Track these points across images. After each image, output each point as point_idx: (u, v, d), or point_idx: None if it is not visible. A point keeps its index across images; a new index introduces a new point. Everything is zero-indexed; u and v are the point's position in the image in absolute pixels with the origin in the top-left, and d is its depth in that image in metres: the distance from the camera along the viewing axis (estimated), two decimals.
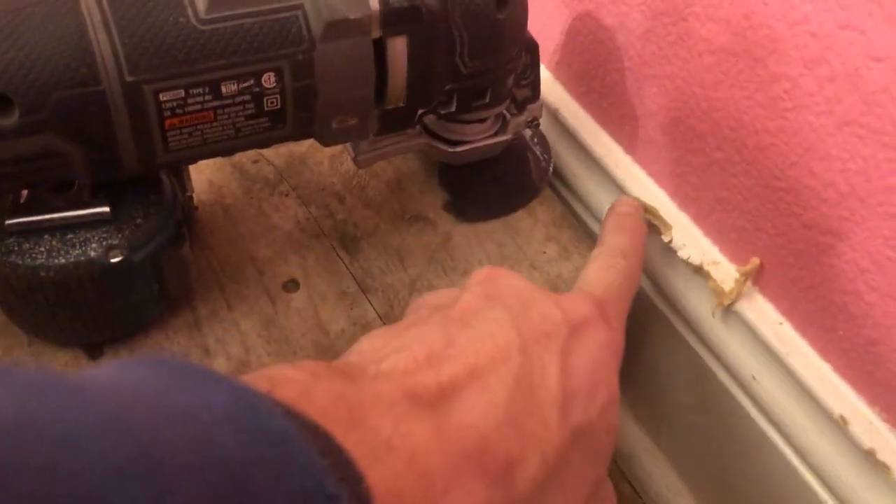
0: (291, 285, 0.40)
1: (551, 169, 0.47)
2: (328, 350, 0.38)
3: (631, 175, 0.44)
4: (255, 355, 0.37)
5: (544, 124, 0.48)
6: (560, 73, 0.48)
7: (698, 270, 0.41)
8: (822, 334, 0.36)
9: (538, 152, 0.47)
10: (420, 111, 0.38)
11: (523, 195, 0.46)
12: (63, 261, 0.33)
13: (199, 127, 0.32)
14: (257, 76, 0.32)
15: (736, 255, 0.40)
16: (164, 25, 0.30)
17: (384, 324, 0.39)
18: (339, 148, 0.47)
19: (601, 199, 0.46)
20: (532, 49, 0.42)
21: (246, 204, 0.44)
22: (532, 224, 0.44)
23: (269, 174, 0.46)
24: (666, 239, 0.42)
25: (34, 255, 0.33)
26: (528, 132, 0.47)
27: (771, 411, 0.38)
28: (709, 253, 0.41)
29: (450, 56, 0.36)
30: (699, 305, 0.41)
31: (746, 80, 0.35)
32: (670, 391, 0.46)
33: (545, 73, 0.49)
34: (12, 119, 0.28)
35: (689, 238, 0.41)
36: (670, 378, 0.45)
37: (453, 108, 0.38)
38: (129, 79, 0.29)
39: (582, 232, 0.44)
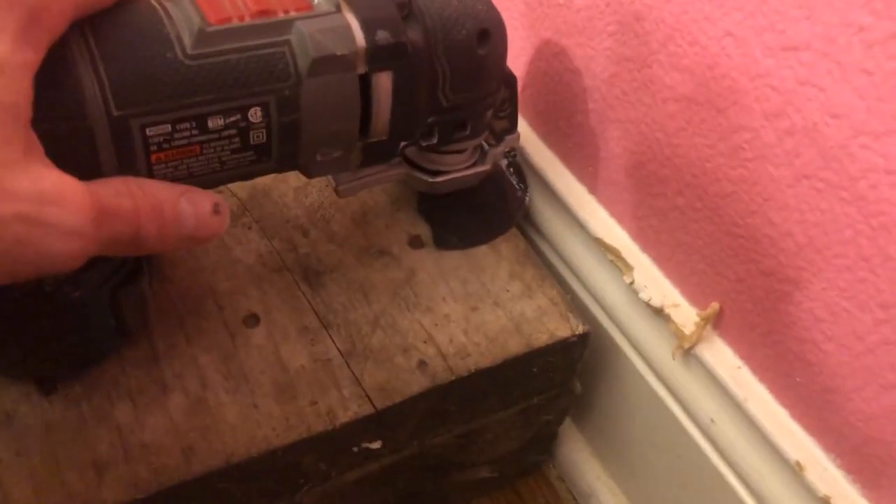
0: (252, 320, 0.40)
1: (528, 199, 0.47)
2: (287, 387, 0.37)
3: (594, 215, 0.45)
4: (213, 392, 0.37)
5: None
6: (526, 110, 0.49)
7: (659, 312, 0.41)
8: (780, 380, 0.37)
9: (514, 182, 0.47)
10: (402, 143, 0.38)
11: (500, 224, 0.46)
12: (17, 294, 0.32)
13: (184, 161, 0.31)
14: (244, 111, 0.31)
15: (696, 299, 0.40)
16: (151, 60, 0.29)
17: (346, 362, 0.39)
18: (303, 180, 0.47)
19: (565, 237, 0.46)
20: (510, 82, 0.43)
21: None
22: (496, 261, 0.44)
23: (233, 206, 0.45)
24: (627, 280, 0.42)
25: None
26: (504, 162, 0.47)
27: (729, 455, 0.39)
28: (670, 295, 0.41)
29: (432, 90, 0.36)
30: (660, 347, 0.42)
31: (709, 129, 0.36)
32: (631, 430, 0.46)
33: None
34: None
35: (651, 280, 0.42)
36: (631, 417, 0.46)
37: (435, 140, 0.39)
38: (116, 113, 0.29)
39: (545, 270, 0.44)
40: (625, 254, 0.43)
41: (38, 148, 0.27)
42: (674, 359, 0.40)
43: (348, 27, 0.33)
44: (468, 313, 0.42)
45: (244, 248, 0.43)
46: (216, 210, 0.31)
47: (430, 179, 0.43)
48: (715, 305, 0.39)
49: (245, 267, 0.42)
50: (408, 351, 0.40)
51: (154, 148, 0.31)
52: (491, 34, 0.37)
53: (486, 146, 0.44)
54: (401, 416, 0.38)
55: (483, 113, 0.40)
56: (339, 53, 0.32)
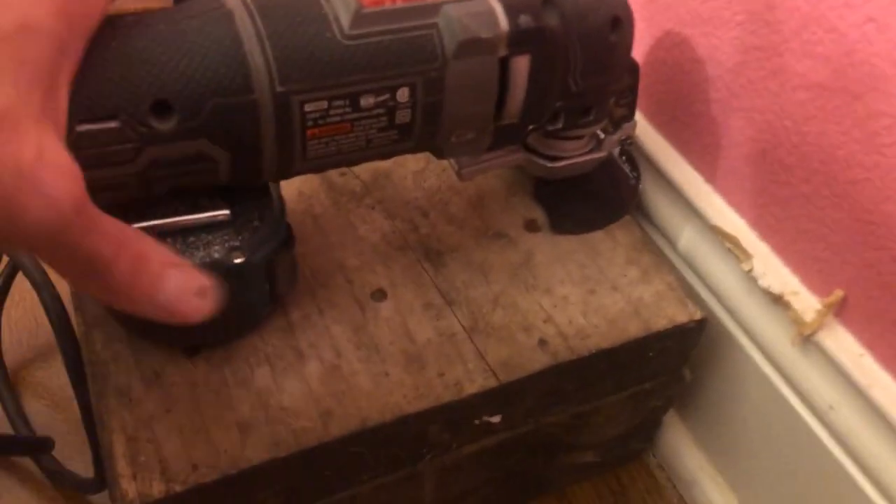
0: (379, 295, 0.41)
1: (640, 186, 0.48)
2: (416, 358, 0.39)
3: (711, 204, 0.45)
4: (346, 360, 0.38)
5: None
6: (641, 100, 0.49)
7: (778, 300, 0.41)
8: None
9: (627, 170, 0.48)
10: (531, 127, 0.39)
11: (613, 211, 0.47)
12: (189, 260, 0.34)
13: (335, 138, 0.33)
14: (393, 91, 0.33)
15: (817, 286, 0.40)
16: (312, 40, 0.31)
17: (469, 337, 0.40)
18: (422, 164, 0.48)
19: (680, 226, 0.47)
20: (633, 71, 0.43)
21: (334, 214, 0.45)
22: (612, 246, 0.45)
23: (356, 187, 0.47)
24: (746, 268, 0.42)
25: None
26: (616, 150, 0.48)
27: (849, 442, 0.39)
28: (789, 283, 0.41)
29: (564, 75, 0.37)
30: (777, 335, 0.42)
31: (842, 116, 0.36)
32: (739, 419, 0.46)
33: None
34: (171, 124, 0.30)
35: (770, 267, 0.42)
36: (740, 406, 0.46)
37: (560, 125, 0.40)
38: (279, 89, 0.31)
39: (662, 256, 0.45)
40: (743, 241, 0.43)
41: (58, 119, 0.26)
42: (793, 346, 0.40)
43: (493, 11, 0.34)
44: (586, 296, 0.42)
45: (369, 227, 0.45)
46: (202, 293, 0.29)
47: (549, 164, 0.43)
48: (839, 292, 0.39)
49: (370, 244, 0.44)
50: (528, 329, 0.41)
51: (310, 124, 0.33)
52: (623, 22, 0.38)
53: (601, 133, 0.45)
54: (521, 391, 0.39)
55: (607, 100, 0.41)
56: (484, 36, 0.34)
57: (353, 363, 0.38)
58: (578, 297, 0.42)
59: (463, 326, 0.40)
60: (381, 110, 0.34)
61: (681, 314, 0.42)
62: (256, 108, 0.31)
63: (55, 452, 0.50)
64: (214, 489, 0.34)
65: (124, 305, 0.28)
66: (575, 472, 0.50)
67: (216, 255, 0.34)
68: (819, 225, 0.39)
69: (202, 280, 0.29)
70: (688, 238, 0.46)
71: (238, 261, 0.34)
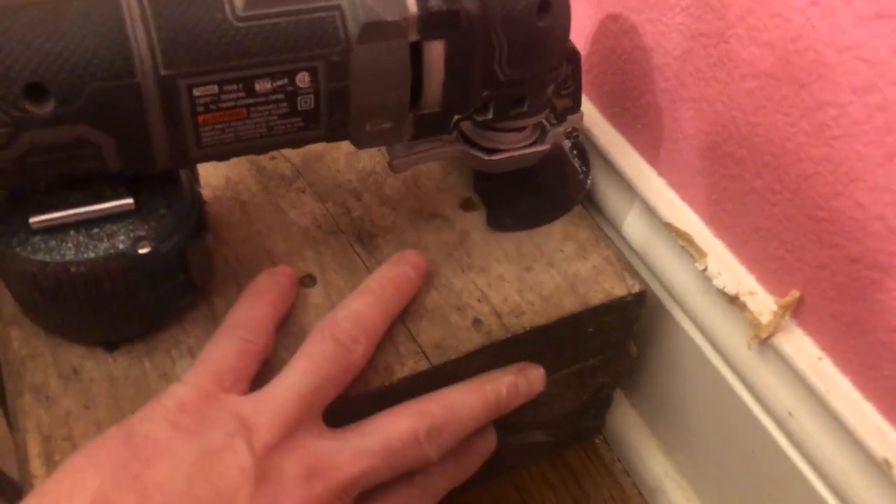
0: (308, 280, 0.40)
1: (589, 182, 0.46)
2: None
3: (664, 198, 0.43)
4: (274, 353, 0.37)
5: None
6: (592, 91, 0.48)
7: (734, 301, 0.39)
8: (866, 372, 0.34)
9: (577, 165, 0.47)
10: (456, 117, 0.38)
11: (558, 208, 0.45)
12: (93, 255, 0.33)
13: (231, 124, 0.32)
14: (291, 75, 0.32)
15: (774, 286, 0.39)
16: (200, 21, 0.30)
17: (402, 320, 0.39)
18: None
19: (632, 222, 0.45)
20: (574, 59, 0.42)
21: (263, 200, 0.44)
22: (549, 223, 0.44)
23: (286, 171, 0.46)
24: (700, 267, 0.41)
25: (62, 252, 0.33)
26: (567, 144, 0.47)
27: (807, 449, 0.37)
28: (745, 283, 0.39)
29: (488, 62, 0.36)
30: (734, 337, 0.40)
31: (790, 106, 0.34)
32: (700, 423, 0.45)
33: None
34: (47, 108, 0.29)
35: (725, 266, 0.40)
36: (701, 410, 0.45)
37: (490, 116, 0.38)
38: (163, 72, 0.30)
39: (600, 231, 0.44)
40: (697, 239, 0.41)
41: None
42: (749, 349, 0.39)
43: None
44: (522, 273, 0.42)
45: (298, 212, 0.43)
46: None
47: (487, 157, 0.42)
48: (794, 293, 0.37)
49: (300, 230, 0.43)
50: (462, 310, 0.40)
51: (201, 109, 0.31)
52: (552, 5, 0.36)
53: (546, 125, 0.43)
54: (456, 372, 0.39)
55: (543, 89, 0.40)
56: (389, 19, 0.32)
57: (279, 351, 0.37)
58: (514, 275, 0.41)
59: None
60: (279, 96, 0.32)
61: (618, 287, 0.41)
62: (139, 92, 0.30)
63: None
64: None
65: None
66: (527, 452, 0.49)
67: (121, 246, 0.33)
68: (773, 222, 0.37)
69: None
70: (641, 235, 0.45)
71: (144, 251, 0.33)
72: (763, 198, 0.37)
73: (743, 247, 0.40)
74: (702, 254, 0.41)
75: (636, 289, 0.41)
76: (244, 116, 0.32)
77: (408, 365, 0.37)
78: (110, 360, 0.36)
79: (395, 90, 0.34)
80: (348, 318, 0.36)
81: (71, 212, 0.33)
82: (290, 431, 0.31)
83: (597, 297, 0.41)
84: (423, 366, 0.37)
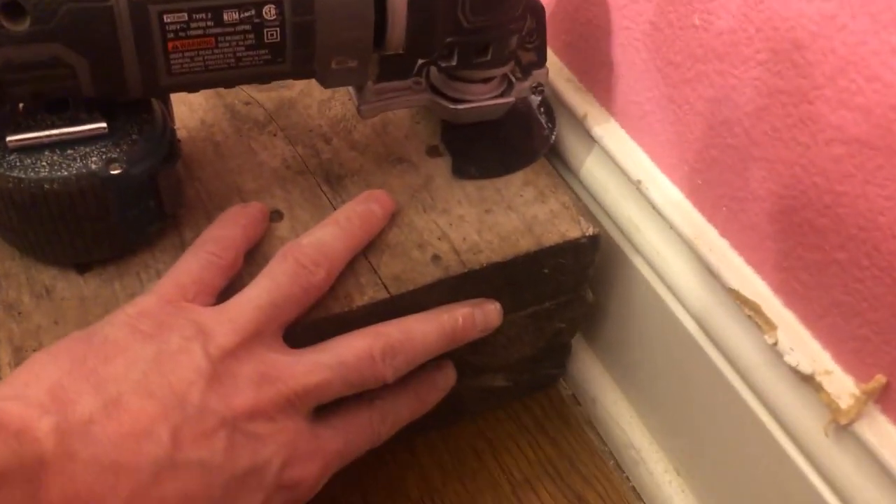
0: (276, 216, 0.42)
1: (553, 138, 0.48)
2: None
3: (727, 261, 0.40)
4: (237, 276, 0.39)
5: (629, 192, 0.45)
6: (645, 141, 0.45)
7: (808, 380, 0.37)
8: None
9: (543, 121, 0.48)
10: (420, 61, 0.39)
11: (522, 159, 0.47)
12: (66, 173, 0.34)
13: (200, 52, 0.34)
14: (258, 7, 0.33)
15: (854, 367, 0.36)
16: None
17: (363, 253, 0.41)
18: (328, 93, 0.49)
19: (689, 280, 0.43)
20: (537, 12, 0.44)
21: (235, 142, 0.46)
22: None
23: (259, 116, 0.47)
24: (770, 340, 0.38)
25: (37, 170, 0.34)
26: (535, 100, 0.48)
27: None
28: (820, 360, 0.37)
29: (451, 8, 0.38)
30: (808, 420, 0.37)
31: (886, 178, 0.31)
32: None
33: (631, 142, 0.46)
34: (23, 26, 0.30)
35: (797, 342, 0.37)
36: (771, 498, 0.41)
37: (454, 63, 0.40)
38: None
39: (559, 178, 0.46)
40: (766, 309, 0.38)
41: None
42: (826, 435, 0.36)
43: None
44: (482, 215, 0.43)
45: (269, 153, 0.45)
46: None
47: (452, 107, 0.44)
48: (881, 378, 0.34)
49: (270, 169, 0.44)
50: (423, 246, 0.42)
51: (171, 36, 0.33)
52: None
53: (512, 79, 0.45)
54: (414, 304, 0.40)
55: (506, 40, 0.41)
56: None
57: (244, 278, 0.39)
58: (474, 217, 0.43)
59: None
60: (246, 27, 0.34)
61: (573, 230, 0.43)
62: (111, 14, 0.31)
63: None
64: None
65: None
66: (487, 397, 0.51)
67: (93, 167, 0.35)
68: (857, 298, 0.34)
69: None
70: (705, 303, 0.42)
71: (115, 172, 0.35)
72: (846, 272, 0.34)
73: (818, 321, 0.37)
74: (771, 326, 0.38)
75: (590, 231, 0.43)
76: (212, 45, 0.34)
77: (367, 294, 0.39)
78: (81, 282, 0.38)
79: (359, 29, 0.36)
80: (312, 244, 0.37)
81: (46, 133, 0.35)
82: (247, 341, 0.33)
83: (552, 238, 0.43)
84: (382, 295, 0.39)
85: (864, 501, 0.35)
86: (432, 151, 0.47)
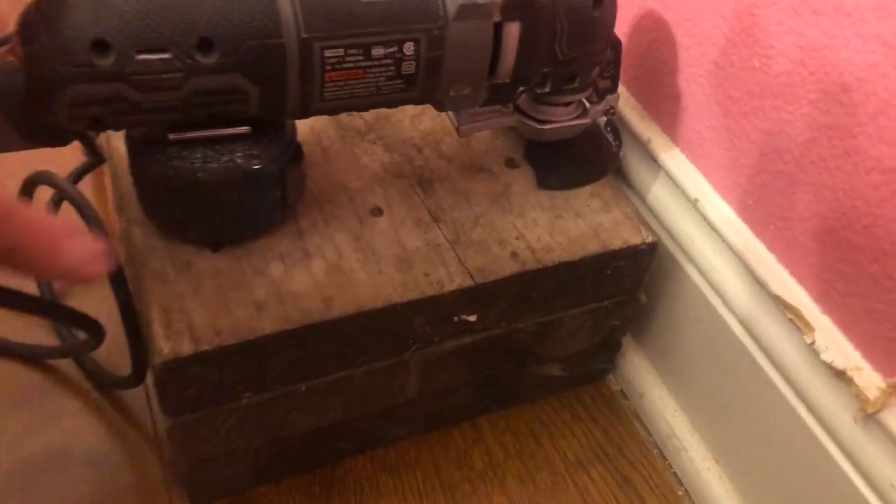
0: (377, 211, 0.48)
1: (621, 154, 0.54)
2: (405, 261, 0.46)
3: (773, 273, 0.46)
4: (346, 260, 0.45)
5: (687, 208, 0.51)
6: (703, 165, 0.51)
7: (840, 375, 0.42)
8: None
9: (611, 139, 0.54)
10: (521, 88, 0.45)
11: (594, 173, 0.53)
12: (215, 165, 0.41)
13: (349, 82, 0.40)
14: (401, 44, 0.39)
15: (882, 364, 0.41)
16: None
17: (452, 248, 0.47)
18: (418, 109, 0.55)
19: (736, 288, 0.48)
20: (616, 46, 0.50)
21: (340, 147, 0.52)
22: None
23: (360, 126, 0.54)
24: (808, 340, 0.43)
25: (192, 161, 0.41)
26: (602, 120, 0.54)
27: None
28: (852, 358, 0.42)
29: (550, 43, 0.44)
30: (839, 411, 0.43)
31: None
32: (802, 494, 0.47)
33: (690, 166, 0.51)
34: (212, 59, 0.37)
35: (832, 342, 0.43)
36: (804, 481, 0.46)
37: (547, 90, 0.46)
38: (304, 35, 0.37)
39: (621, 190, 0.52)
40: (805, 313, 0.44)
41: None
42: (855, 423, 0.41)
43: None
44: (553, 220, 0.49)
45: (370, 158, 0.52)
46: (94, 259, 0.30)
47: (538, 126, 0.50)
48: None
49: (371, 171, 0.51)
50: (503, 244, 0.48)
51: (329, 68, 0.39)
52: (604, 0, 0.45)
53: (587, 103, 0.51)
54: (494, 293, 0.46)
55: (591, 69, 0.47)
56: (480, 2, 0.40)
57: (352, 262, 0.45)
58: (546, 221, 0.49)
59: (447, 239, 0.47)
60: (389, 61, 0.40)
61: (634, 237, 0.49)
62: (284, 50, 0.38)
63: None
64: (233, 351, 0.41)
65: (35, 276, 0.33)
66: (544, 384, 0.57)
67: (238, 161, 0.41)
68: (888, 306, 0.40)
69: (95, 247, 0.30)
70: (752, 308, 0.47)
71: (256, 167, 0.41)
72: (878, 283, 0.40)
73: (852, 325, 0.42)
74: (810, 328, 0.43)
75: (649, 239, 0.49)
76: (360, 76, 0.40)
77: (456, 281, 0.45)
78: (215, 259, 0.45)
79: (478, 62, 0.42)
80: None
81: (201, 133, 0.41)
82: None
83: (615, 243, 0.49)
84: (469, 283, 0.45)
85: (887, 481, 0.40)
86: (510, 163, 0.53)
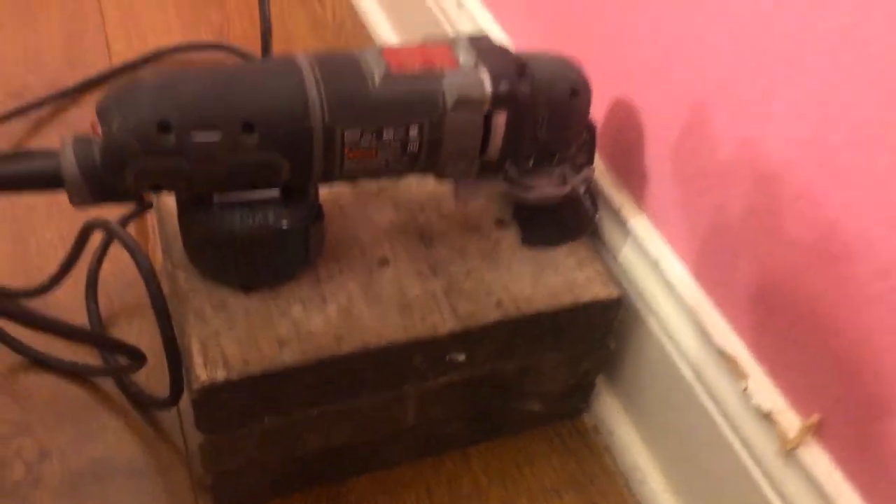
0: (384, 262, 0.57)
1: (596, 219, 0.62)
2: (407, 307, 0.54)
3: (717, 328, 0.54)
4: (356, 305, 0.53)
5: (649, 267, 0.59)
6: (664, 230, 0.59)
7: (767, 416, 0.50)
8: (871, 484, 0.45)
9: (587, 204, 0.62)
10: (507, 167, 0.54)
11: (573, 234, 0.61)
12: (251, 223, 0.49)
13: (364, 159, 0.48)
14: (407, 128, 0.48)
15: (801, 408, 0.49)
16: (353, 90, 0.46)
17: (446, 297, 0.55)
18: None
19: (688, 339, 0.56)
20: (591, 128, 0.58)
21: (355, 206, 0.61)
22: None
23: (373, 187, 0.62)
24: (742, 386, 0.51)
25: (232, 220, 0.49)
26: (581, 188, 0.63)
27: None
28: (777, 402, 0.50)
29: (533, 128, 0.52)
30: (767, 446, 0.50)
31: (824, 275, 0.45)
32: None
33: (654, 231, 0.59)
34: (254, 140, 0.45)
35: (762, 388, 0.50)
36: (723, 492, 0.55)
37: (531, 165, 0.54)
38: (328, 122, 0.46)
39: (594, 251, 0.60)
40: (741, 363, 0.52)
41: None
42: (778, 458, 0.49)
43: (481, 80, 0.49)
44: (535, 274, 0.58)
45: (380, 215, 0.60)
46: None
47: (524, 194, 0.58)
48: (815, 416, 0.47)
49: (380, 227, 0.59)
50: (490, 294, 0.56)
51: (348, 147, 0.48)
52: (580, 92, 0.53)
53: (567, 174, 0.59)
54: (481, 336, 0.54)
55: (568, 148, 0.55)
56: (473, 97, 0.49)
57: (361, 307, 0.53)
58: (529, 275, 0.57)
59: (443, 289, 0.56)
60: (397, 142, 0.49)
61: (604, 292, 0.57)
62: (312, 133, 0.46)
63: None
64: (258, 380, 0.49)
65: None
66: (526, 419, 0.65)
67: (270, 221, 0.50)
68: (804, 358, 0.48)
69: None
70: (696, 357, 0.55)
71: (284, 226, 0.50)
72: (797, 340, 0.48)
73: (778, 373, 0.50)
74: (744, 376, 0.51)
75: (616, 294, 0.57)
76: (374, 155, 0.49)
77: (448, 325, 0.53)
78: (247, 300, 0.53)
79: (471, 143, 0.51)
80: None
81: (239, 196, 0.50)
82: None
83: (587, 297, 0.57)
84: (459, 327, 0.53)
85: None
86: (499, 223, 0.61)
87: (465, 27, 0.83)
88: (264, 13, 0.77)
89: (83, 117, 0.89)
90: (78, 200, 0.48)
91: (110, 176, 0.46)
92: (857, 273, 0.43)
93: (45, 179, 0.47)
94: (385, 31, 1.03)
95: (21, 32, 0.99)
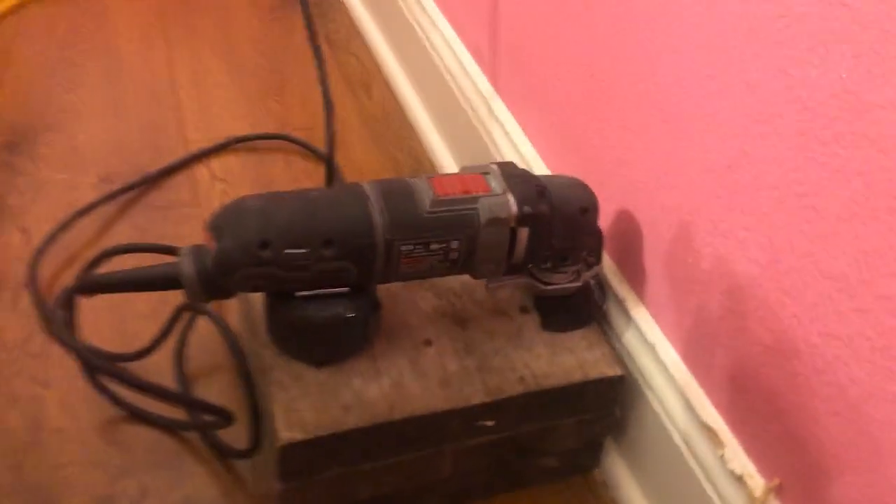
0: (427, 342, 0.69)
1: (605, 307, 0.74)
2: (446, 382, 0.66)
3: (701, 403, 0.64)
4: (406, 379, 0.66)
5: (647, 349, 0.70)
6: (660, 319, 0.69)
7: (739, 479, 0.60)
8: None
9: (597, 296, 0.74)
10: (529, 265, 0.67)
11: (583, 321, 0.72)
12: (325, 314, 0.62)
13: (415, 264, 0.61)
14: (449, 241, 0.61)
15: (766, 473, 0.59)
16: (408, 212, 0.60)
17: (478, 372, 0.67)
18: None
19: (678, 411, 0.67)
20: (598, 235, 0.70)
21: (405, 296, 0.73)
22: None
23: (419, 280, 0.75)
24: (720, 453, 0.62)
25: (311, 311, 0.62)
26: (592, 282, 0.75)
27: None
28: (748, 467, 0.60)
29: (548, 238, 0.64)
30: (738, 502, 0.61)
31: (779, 369, 0.55)
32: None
33: (651, 320, 0.71)
34: (331, 252, 0.58)
35: (736, 455, 0.61)
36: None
37: (548, 266, 0.67)
38: (387, 237, 0.59)
39: (602, 335, 0.72)
40: (720, 434, 0.62)
41: None
42: None
43: (509, 203, 0.62)
44: (552, 355, 0.70)
45: (425, 303, 0.73)
46: None
47: (543, 287, 0.70)
48: (776, 480, 0.58)
49: (424, 313, 0.72)
50: (514, 370, 0.68)
51: (403, 255, 0.61)
52: (589, 209, 0.66)
53: (580, 271, 0.72)
54: (506, 406, 0.66)
55: (580, 252, 0.68)
56: (502, 217, 0.62)
57: (409, 380, 0.66)
58: (547, 355, 0.70)
59: (475, 366, 0.68)
60: (440, 252, 0.62)
61: (609, 370, 0.69)
62: (375, 247, 0.59)
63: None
64: (327, 439, 0.62)
65: None
66: (543, 473, 0.76)
67: (339, 311, 0.63)
68: (767, 433, 0.58)
69: None
70: (683, 428, 0.66)
71: (350, 315, 0.63)
72: (763, 417, 0.58)
73: (749, 443, 0.61)
74: (722, 445, 0.62)
75: (619, 373, 0.69)
76: (422, 262, 0.62)
77: (478, 397, 0.66)
78: (318, 373, 0.66)
79: (499, 252, 0.64)
80: None
81: (317, 292, 0.63)
82: None
83: (595, 374, 0.69)
84: (488, 399, 0.66)
85: None
86: (523, 310, 0.73)
87: (496, 127, 0.96)
88: (329, 127, 0.90)
89: (163, 198, 1.04)
90: (192, 297, 0.61)
91: (220, 279, 0.59)
92: (802, 370, 0.55)
93: (167, 281, 0.61)
94: (424, 121, 1.17)
95: (108, 121, 1.15)
